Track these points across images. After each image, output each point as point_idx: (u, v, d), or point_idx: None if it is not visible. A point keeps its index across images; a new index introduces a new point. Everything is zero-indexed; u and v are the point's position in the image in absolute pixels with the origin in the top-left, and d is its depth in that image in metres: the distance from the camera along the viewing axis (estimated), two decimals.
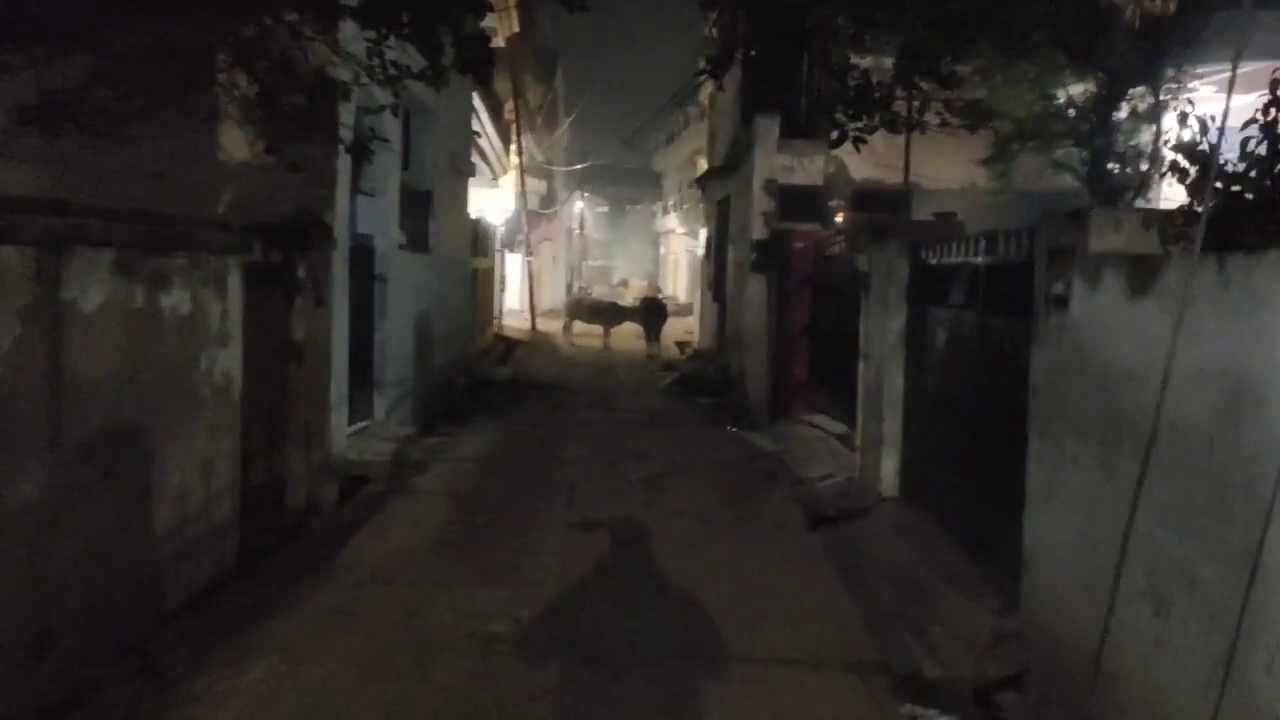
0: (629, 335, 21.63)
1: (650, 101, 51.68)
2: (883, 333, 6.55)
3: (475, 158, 18.87)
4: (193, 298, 4.67)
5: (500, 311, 21.53)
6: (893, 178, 11.98)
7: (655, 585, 5.14)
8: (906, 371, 6.46)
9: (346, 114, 7.06)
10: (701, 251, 25.39)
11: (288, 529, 6.09)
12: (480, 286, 16.97)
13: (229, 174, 6.57)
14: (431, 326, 11.08)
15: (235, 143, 6.62)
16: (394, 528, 6.02)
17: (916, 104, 10.94)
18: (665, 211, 46.29)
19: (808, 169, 11.88)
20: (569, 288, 35.30)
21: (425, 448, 8.45)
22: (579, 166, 38.40)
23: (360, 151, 7.12)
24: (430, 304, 10.96)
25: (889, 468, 6.53)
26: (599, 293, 30.51)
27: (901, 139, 12.07)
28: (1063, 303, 3.64)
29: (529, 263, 24.88)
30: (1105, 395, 3.30)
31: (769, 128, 11.75)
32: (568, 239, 43.77)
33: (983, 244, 5.17)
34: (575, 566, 5.34)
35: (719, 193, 15.31)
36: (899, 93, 10.88)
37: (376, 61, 6.47)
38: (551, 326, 22.96)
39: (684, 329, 24.04)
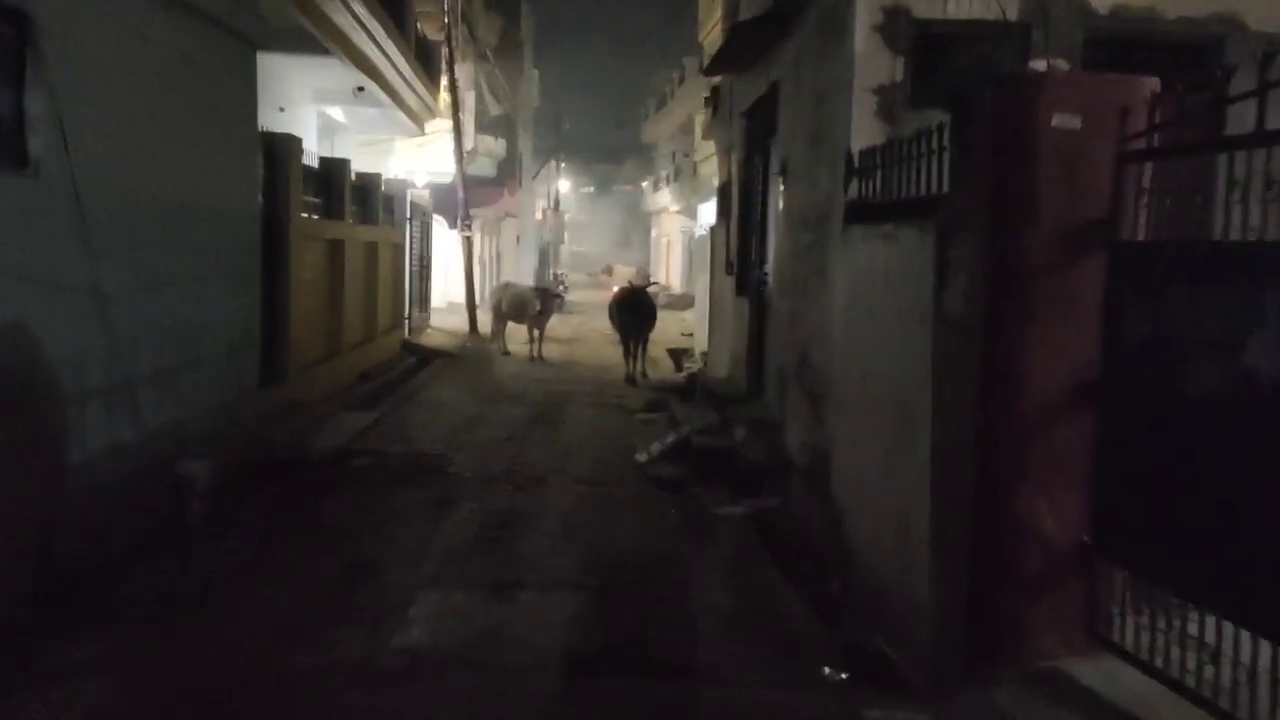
0: (603, 340, 15.10)
1: (640, 70, 44.19)
2: None
3: (361, 75, 11.96)
4: None
5: (413, 306, 14.71)
6: (1180, 6, 5.19)
7: None
8: None
9: None
10: (700, 230, 18.29)
11: None
12: (361, 271, 10.48)
13: None
14: (44, 362, 4.25)
15: None
16: None
17: None
18: (656, 187, 39.70)
19: None
20: (537, 276, 28.25)
21: None
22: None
23: None
24: (35, 307, 4.14)
25: None
26: (572, 281, 23.72)
27: None
28: None
29: (467, 241, 17.88)
30: None
31: None
32: (541, 217, 36.86)
33: None
34: None
35: (753, 86, 8.28)
36: None
37: None
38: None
39: (680, 329, 17.21)
